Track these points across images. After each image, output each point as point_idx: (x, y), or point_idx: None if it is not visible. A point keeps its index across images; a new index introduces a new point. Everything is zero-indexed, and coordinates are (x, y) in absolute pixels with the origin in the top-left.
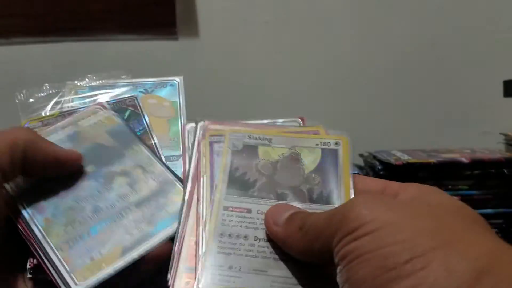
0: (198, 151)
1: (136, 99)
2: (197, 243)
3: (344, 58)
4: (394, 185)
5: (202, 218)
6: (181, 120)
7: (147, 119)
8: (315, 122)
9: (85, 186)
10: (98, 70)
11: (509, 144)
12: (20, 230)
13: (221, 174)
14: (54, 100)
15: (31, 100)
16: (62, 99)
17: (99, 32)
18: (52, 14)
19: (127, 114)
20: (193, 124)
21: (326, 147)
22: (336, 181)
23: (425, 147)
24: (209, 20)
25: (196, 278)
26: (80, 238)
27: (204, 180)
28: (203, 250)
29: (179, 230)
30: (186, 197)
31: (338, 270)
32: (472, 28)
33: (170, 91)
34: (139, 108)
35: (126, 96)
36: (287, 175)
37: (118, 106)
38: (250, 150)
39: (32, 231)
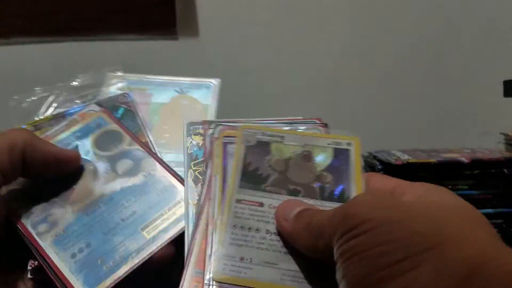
0: (211, 151)
1: (129, 95)
2: (206, 243)
3: (344, 58)
4: (404, 184)
5: (213, 218)
6: None
7: (141, 116)
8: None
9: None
10: (98, 70)
11: (509, 144)
12: (21, 231)
13: (234, 168)
14: (46, 102)
15: (23, 105)
16: (53, 100)
17: (99, 32)
18: (52, 14)
19: (120, 112)
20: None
21: (338, 147)
22: (347, 180)
23: (425, 147)
24: (209, 20)
25: (206, 268)
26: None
27: (216, 180)
28: (215, 245)
29: (190, 233)
30: (201, 199)
31: (336, 267)
32: (472, 28)
33: (205, 93)
34: (132, 105)
35: (118, 93)
36: (299, 172)
37: (111, 104)
38: (263, 146)
39: (32, 232)
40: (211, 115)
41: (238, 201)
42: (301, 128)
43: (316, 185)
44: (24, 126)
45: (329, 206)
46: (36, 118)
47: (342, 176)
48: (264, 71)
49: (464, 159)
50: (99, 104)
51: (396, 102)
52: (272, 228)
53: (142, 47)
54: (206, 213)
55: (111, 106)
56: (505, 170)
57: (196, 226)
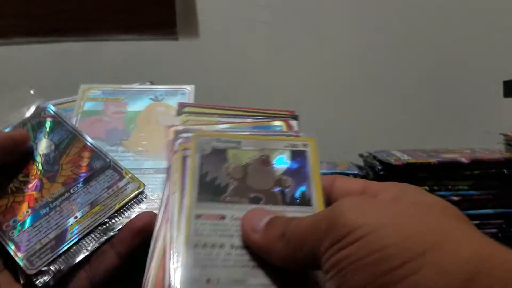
0: (169, 167)
1: (49, 107)
2: (164, 271)
3: (344, 58)
4: (374, 185)
5: (171, 242)
6: None
7: (70, 123)
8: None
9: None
10: (98, 70)
11: (509, 144)
12: None
13: (190, 180)
14: None
15: None
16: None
17: (99, 32)
18: (52, 14)
19: (48, 126)
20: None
21: (295, 149)
22: (307, 182)
23: (425, 147)
24: (209, 20)
25: None
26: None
27: (175, 199)
28: (177, 270)
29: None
30: (157, 224)
31: (328, 277)
32: (472, 28)
33: (181, 100)
34: (57, 115)
35: (32, 112)
36: (259, 178)
37: (35, 121)
38: (219, 153)
39: None
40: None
41: (198, 216)
42: (275, 123)
43: (276, 190)
44: None
45: (292, 210)
46: None
47: (301, 178)
48: (264, 71)
49: (464, 159)
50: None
51: (396, 102)
52: (238, 241)
53: (142, 47)
54: (163, 238)
55: (36, 123)
56: (505, 170)
57: (151, 255)
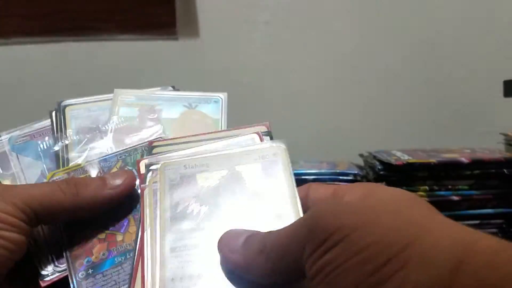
0: (141, 203)
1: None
2: None
3: (344, 58)
4: (342, 187)
5: (147, 279)
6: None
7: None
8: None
9: None
10: (97, 71)
11: (509, 144)
12: None
13: (161, 213)
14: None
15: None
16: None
17: (99, 32)
18: (52, 14)
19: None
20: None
21: (266, 160)
22: (281, 193)
23: (425, 147)
24: (209, 20)
25: None
26: None
27: (148, 235)
28: None
29: None
30: (132, 268)
31: (315, 283)
32: (472, 28)
33: (214, 108)
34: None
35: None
36: (231, 198)
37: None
38: (188, 180)
39: None
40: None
41: (172, 250)
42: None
43: (250, 207)
44: (52, 178)
45: (268, 226)
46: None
47: (274, 191)
48: (264, 71)
49: (464, 159)
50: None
51: (396, 102)
52: (214, 268)
53: (142, 47)
54: (139, 281)
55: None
56: (505, 170)
57: None
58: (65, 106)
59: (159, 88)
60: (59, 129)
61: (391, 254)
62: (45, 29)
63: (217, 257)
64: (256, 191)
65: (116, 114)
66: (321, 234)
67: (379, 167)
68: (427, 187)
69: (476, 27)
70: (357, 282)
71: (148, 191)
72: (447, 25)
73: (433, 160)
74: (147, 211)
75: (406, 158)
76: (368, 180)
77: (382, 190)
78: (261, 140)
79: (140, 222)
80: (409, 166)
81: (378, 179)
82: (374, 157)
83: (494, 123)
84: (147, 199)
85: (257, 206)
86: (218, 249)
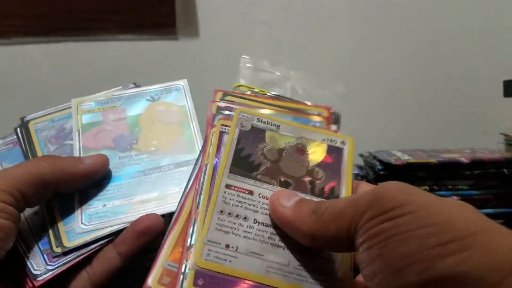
0: (206, 139)
1: None
2: (186, 235)
3: (344, 58)
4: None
5: (197, 208)
6: (192, 123)
7: None
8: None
9: None
10: (97, 71)
11: (509, 144)
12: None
13: (226, 151)
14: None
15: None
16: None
17: (99, 32)
18: (52, 14)
19: None
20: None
21: (333, 144)
22: (338, 179)
23: (425, 147)
24: (209, 20)
25: (188, 251)
26: None
27: (206, 169)
28: (198, 232)
29: (170, 223)
30: (186, 189)
31: (366, 247)
32: (472, 28)
33: (177, 96)
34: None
35: None
36: (292, 165)
37: None
38: (257, 132)
39: None
40: (192, 115)
41: (228, 186)
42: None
43: (307, 179)
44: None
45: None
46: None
47: (333, 174)
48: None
49: (464, 159)
50: None
51: (397, 102)
52: (261, 218)
53: (142, 47)
54: (189, 203)
55: None
56: (505, 170)
57: (175, 217)
58: (28, 121)
59: (119, 88)
60: (26, 144)
61: (458, 236)
62: (45, 29)
63: (265, 210)
64: (315, 167)
65: (78, 124)
66: (387, 203)
67: (379, 167)
68: (427, 187)
69: (476, 27)
70: (417, 251)
71: (214, 131)
72: (447, 25)
73: (433, 160)
74: (210, 149)
75: (406, 158)
76: (368, 181)
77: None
78: (329, 124)
79: (200, 156)
80: (409, 166)
81: (378, 179)
82: (374, 157)
83: (494, 123)
84: (212, 139)
85: (312, 181)
86: (270, 201)
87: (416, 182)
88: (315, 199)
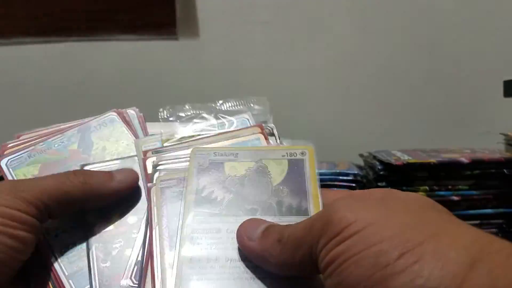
0: (149, 201)
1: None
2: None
3: (343, 58)
4: (360, 191)
5: (157, 278)
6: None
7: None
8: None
9: None
10: (98, 71)
11: (509, 144)
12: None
13: (188, 196)
14: (192, 123)
15: (171, 118)
16: (199, 122)
17: (99, 32)
18: (52, 14)
19: None
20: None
21: (293, 157)
22: (304, 191)
23: (425, 147)
24: (209, 20)
25: None
26: None
27: (156, 233)
28: (170, 281)
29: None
30: (143, 260)
31: (326, 275)
32: (472, 28)
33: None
34: None
35: None
36: (255, 189)
37: None
38: (216, 166)
39: None
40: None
41: (194, 231)
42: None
43: (272, 200)
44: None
45: (288, 221)
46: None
47: (298, 188)
48: (264, 71)
49: (464, 159)
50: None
51: (397, 102)
52: (232, 254)
53: (142, 47)
54: (155, 257)
55: None
56: (505, 170)
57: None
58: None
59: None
60: None
61: (405, 249)
62: (45, 29)
63: (235, 244)
64: (279, 186)
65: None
66: (336, 226)
67: (379, 167)
68: (427, 187)
69: (476, 27)
70: (370, 273)
71: (155, 190)
72: (447, 25)
73: (433, 160)
74: (154, 210)
75: (406, 158)
76: (368, 180)
77: (399, 193)
78: (266, 139)
79: (148, 221)
80: (409, 166)
81: (378, 179)
82: (374, 157)
83: (494, 123)
84: (154, 198)
85: (278, 200)
86: (236, 235)
87: (416, 182)
88: (284, 218)
